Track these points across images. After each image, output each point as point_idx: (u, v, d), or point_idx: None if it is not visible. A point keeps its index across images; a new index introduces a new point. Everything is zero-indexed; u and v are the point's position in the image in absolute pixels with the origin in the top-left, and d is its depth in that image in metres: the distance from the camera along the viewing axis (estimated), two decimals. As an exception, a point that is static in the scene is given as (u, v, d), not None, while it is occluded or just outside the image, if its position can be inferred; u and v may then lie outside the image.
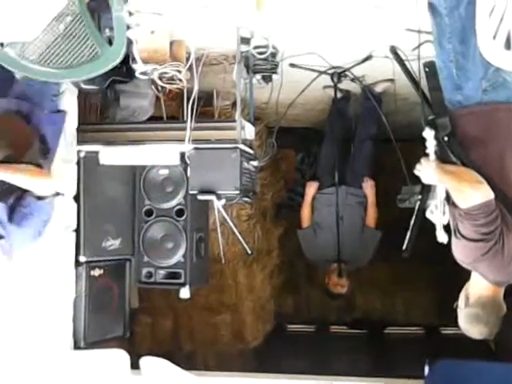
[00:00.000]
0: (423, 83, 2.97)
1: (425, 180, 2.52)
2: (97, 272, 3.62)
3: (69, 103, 3.40)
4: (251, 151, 3.62)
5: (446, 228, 2.56)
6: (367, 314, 6.74)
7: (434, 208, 2.55)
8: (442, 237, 2.53)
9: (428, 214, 2.58)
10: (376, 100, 4.59)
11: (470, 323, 2.58)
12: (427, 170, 2.47)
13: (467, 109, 2.47)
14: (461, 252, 2.47)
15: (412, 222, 2.83)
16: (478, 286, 2.54)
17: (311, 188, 4.92)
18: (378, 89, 4.57)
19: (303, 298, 6.82)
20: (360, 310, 6.74)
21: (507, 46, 2.13)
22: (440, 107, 2.50)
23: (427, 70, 2.52)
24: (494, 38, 2.13)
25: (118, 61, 2.49)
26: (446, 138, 2.47)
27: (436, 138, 2.50)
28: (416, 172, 2.53)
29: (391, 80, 4.36)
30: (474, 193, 2.32)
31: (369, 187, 4.79)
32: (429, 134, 2.53)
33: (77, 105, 3.48)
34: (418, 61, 2.84)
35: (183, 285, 3.69)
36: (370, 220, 4.80)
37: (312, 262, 5.13)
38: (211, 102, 4.54)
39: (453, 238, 2.49)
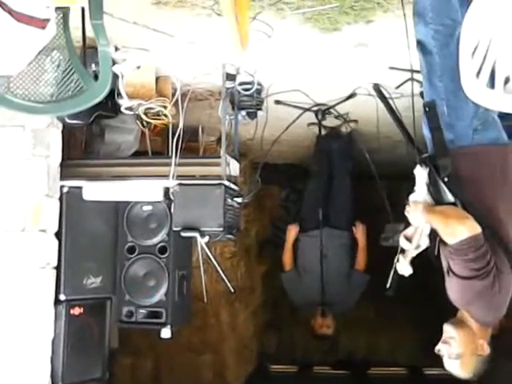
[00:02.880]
0: (406, 122, 2.99)
1: (413, 222, 2.50)
2: (77, 311, 3.53)
3: (53, 138, 3.37)
4: (236, 187, 3.60)
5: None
6: (351, 355, 6.68)
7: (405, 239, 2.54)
8: (405, 269, 2.52)
9: (402, 243, 2.55)
10: (346, 138, 4.72)
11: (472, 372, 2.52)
12: (415, 211, 2.47)
13: (460, 150, 2.46)
14: (455, 291, 2.43)
15: (396, 260, 2.81)
16: (475, 337, 2.49)
17: (291, 232, 4.90)
18: (344, 129, 4.69)
19: (287, 338, 6.73)
20: (344, 350, 6.68)
21: (491, 85, 2.14)
22: (442, 147, 2.46)
23: (428, 109, 2.48)
24: (478, 76, 2.14)
25: (102, 96, 2.46)
26: (446, 179, 2.45)
27: (431, 177, 2.48)
28: (406, 213, 2.52)
29: (355, 121, 4.54)
30: (461, 228, 2.31)
31: (360, 231, 4.78)
32: (420, 171, 2.52)
33: (61, 139, 3.44)
34: (412, 98, 2.83)
35: (164, 325, 3.62)
36: (360, 264, 4.77)
37: (296, 306, 5.07)
38: (197, 137, 4.53)
39: (446, 278, 2.46)
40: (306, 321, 4.97)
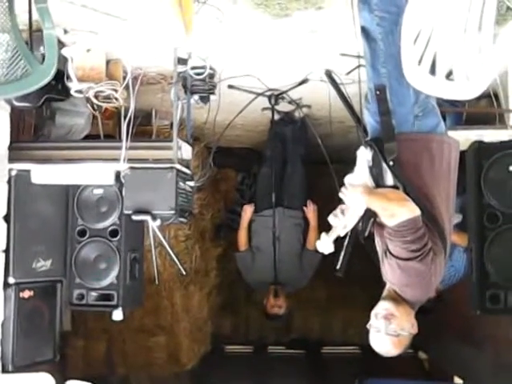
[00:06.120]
0: (357, 107, 3.03)
1: (350, 203, 2.51)
2: (26, 294, 3.52)
3: (0, 120, 3.33)
4: (188, 171, 3.61)
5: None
6: (305, 334, 6.79)
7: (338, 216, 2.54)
8: (327, 247, 2.53)
9: (330, 219, 2.56)
10: (299, 123, 4.78)
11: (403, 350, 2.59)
12: (354, 193, 2.49)
13: (401, 135, 2.50)
14: (393, 272, 2.48)
15: (345, 242, 2.85)
16: (411, 316, 2.58)
17: (247, 212, 4.94)
18: (297, 114, 4.75)
19: (241, 319, 6.81)
20: (298, 330, 6.79)
21: (432, 72, 2.19)
22: (389, 131, 2.50)
23: (378, 93, 2.50)
24: (419, 63, 2.19)
25: (48, 79, 2.44)
26: (391, 163, 2.48)
27: (375, 160, 2.52)
28: (341, 195, 2.54)
29: (308, 106, 4.60)
30: (401, 210, 2.37)
31: (311, 211, 4.83)
32: (363, 153, 2.56)
33: (9, 122, 3.40)
34: (359, 84, 2.86)
35: (116, 307, 3.62)
36: (311, 243, 4.79)
37: (250, 285, 5.12)
38: (150, 121, 4.51)
39: (384, 259, 2.52)
40: (260, 302, 5.03)
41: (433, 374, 6.18)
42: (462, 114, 3.97)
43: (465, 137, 3.42)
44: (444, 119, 2.76)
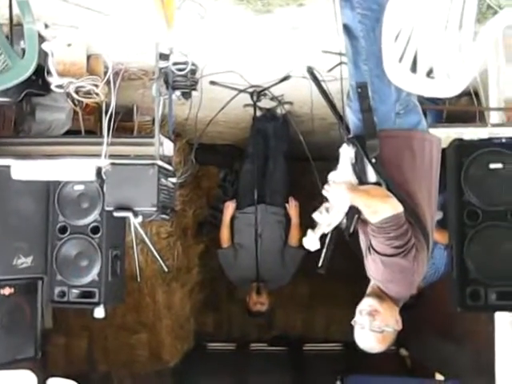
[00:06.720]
0: (339, 104, 3.04)
1: (333, 200, 2.51)
2: (7, 291, 3.50)
3: (-21, 115, 3.30)
4: (170, 168, 3.59)
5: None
6: (287, 331, 6.80)
7: (324, 213, 2.54)
8: (313, 244, 2.53)
9: (315, 216, 2.55)
10: (281, 120, 4.79)
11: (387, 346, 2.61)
12: (337, 190, 2.50)
13: (382, 132, 2.52)
14: (377, 268, 2.49)
15: (327, 239, 2.85)
16: (396, 312, 2.59)
17: (229, 208, 4.92)
18: (279, 111, 4.76)
19: (224, 316, 6.81)
20: (280, 327, 6.80)
21: (413, 69, 2.21)
22: (371, 129, 2.50)
23: (360, 90, 2.50)
24: (400, 60, 2.20)
25: (28, 74, 2.42)
26: (373, 160, 2.49)
27: (358, 157, 2.53)
28: (324, 192, 2.53)
29: (290, 103, 4.61)
30: (384, 206, 2.39)
31: (293, 208, 4.83)
32: (346, 151, 2.57)
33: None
34: (341, 82, 2.87)
35: (97, 304, 3.60)
36: (294, 239, 4.80)
37: (232, 282, 5.12)
38: (132, 117, 4.49)
39: (368, 256, 2.53)
40: (242, 299, 5.02)
41: (414, 370, 6.23)
42: (442, 111, 3.99)
43: (445, 134, 3.43)
44: (425, 116, 2.78)
